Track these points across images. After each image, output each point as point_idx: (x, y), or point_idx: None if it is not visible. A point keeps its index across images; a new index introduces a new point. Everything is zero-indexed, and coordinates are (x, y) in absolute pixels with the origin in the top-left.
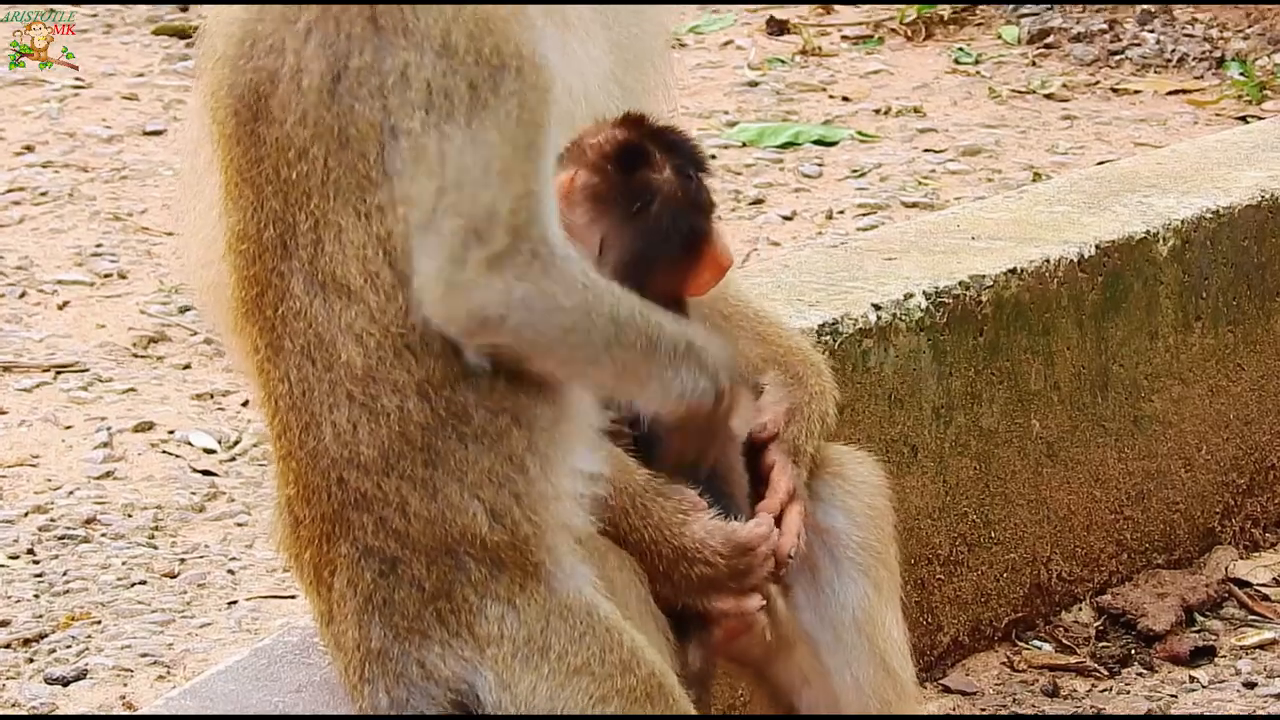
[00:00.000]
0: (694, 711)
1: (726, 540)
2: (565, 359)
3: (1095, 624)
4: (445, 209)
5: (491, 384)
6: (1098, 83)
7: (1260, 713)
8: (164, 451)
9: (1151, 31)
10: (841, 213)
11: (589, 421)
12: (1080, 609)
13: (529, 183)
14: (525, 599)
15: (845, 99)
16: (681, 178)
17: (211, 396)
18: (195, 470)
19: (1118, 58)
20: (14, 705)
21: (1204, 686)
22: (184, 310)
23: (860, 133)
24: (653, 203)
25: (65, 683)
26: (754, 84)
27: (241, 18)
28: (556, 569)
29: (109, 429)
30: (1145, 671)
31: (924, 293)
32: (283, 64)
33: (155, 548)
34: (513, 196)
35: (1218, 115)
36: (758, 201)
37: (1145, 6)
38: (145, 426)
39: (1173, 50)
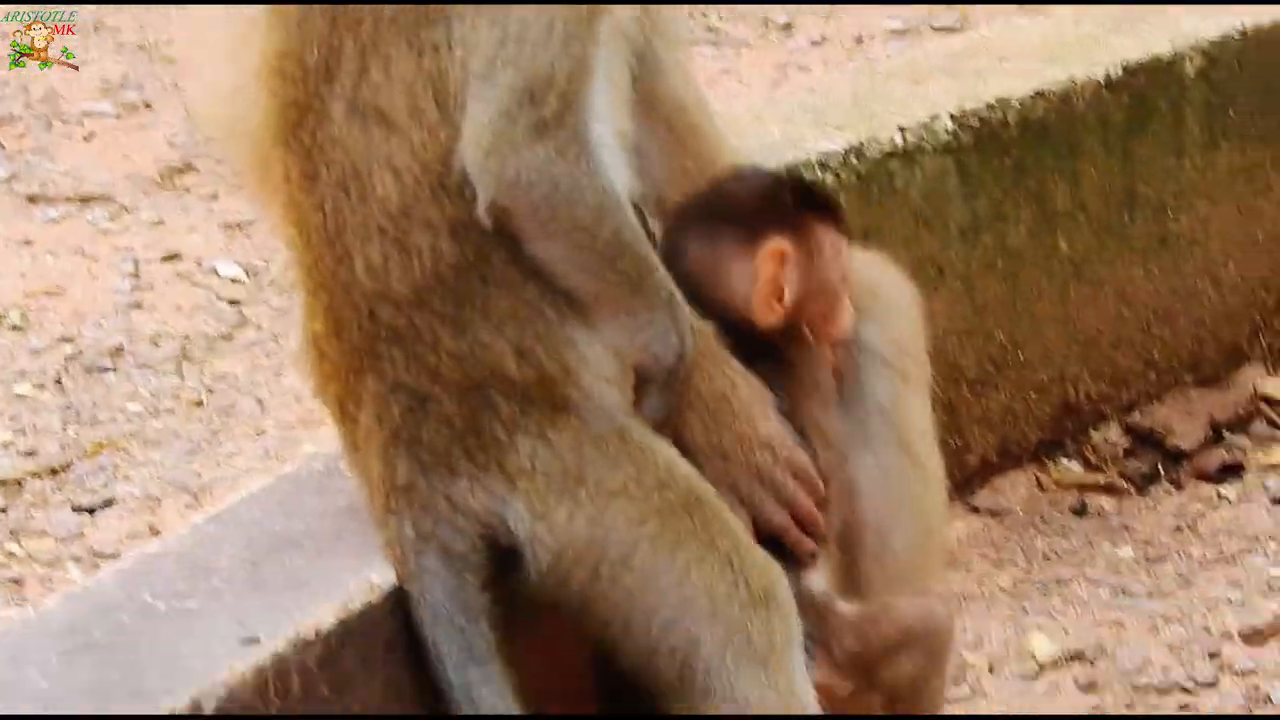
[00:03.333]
0: (730, 519)
1: (797, 455)
2: (563, 253)
3: (1123, 442)
4: (506, 61)
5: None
6: None
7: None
8: (191, 281)
9: None
10: (871, 38)
11: None
12: (1108, 428)
13: (586, 52)
14: (557, 432)
15: None
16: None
17: (239, 226)
18: (222, 299)
19: None
20: (42, 533)
21: (1231, 503)
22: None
23: None
24: None
25: (92, 511)
26: None
27: None
28: (586, 402)
29: (135, 259)
30: (1173, 489)
31: (950, 114)
32: None
33: (182, 377)
34: (571, 61)
35: None
36: (787, 26)
37: None
38: (172, 256)
39: None
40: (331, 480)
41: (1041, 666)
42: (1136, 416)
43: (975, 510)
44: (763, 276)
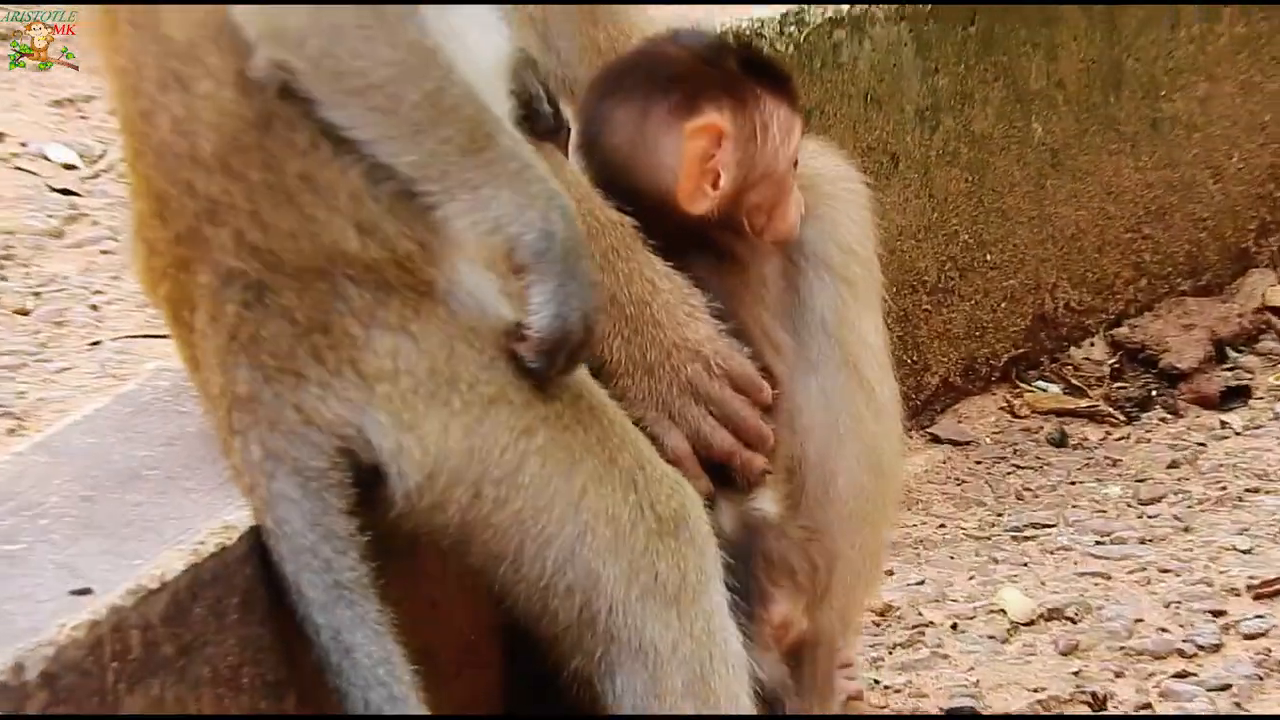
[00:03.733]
0: (632, 432)
1: (736, 362)
2: (361, 119)
3: (1110, 361)
4: None
5: None
6: None
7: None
8: (16, 168)
9: None
10: None
11: None
12: (1092, 344)
13: None
14: (422, 324)
15: None
16: None
17: (72, 103)
18: (53, 189)
19: None
20: None
21: (1237, 433)
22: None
23: None
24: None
25: None
26: None
27: None
28: (454, 288)
29: None
30: (1169, 416)
31: None
32: None
33: (5, 279)
34: None
35: None
36: None
37: None
38: None
39: None
40: (180, 401)
41: (1014, 626)
42: (1125, 330)
43: (936, 440)
44: (692, 155)
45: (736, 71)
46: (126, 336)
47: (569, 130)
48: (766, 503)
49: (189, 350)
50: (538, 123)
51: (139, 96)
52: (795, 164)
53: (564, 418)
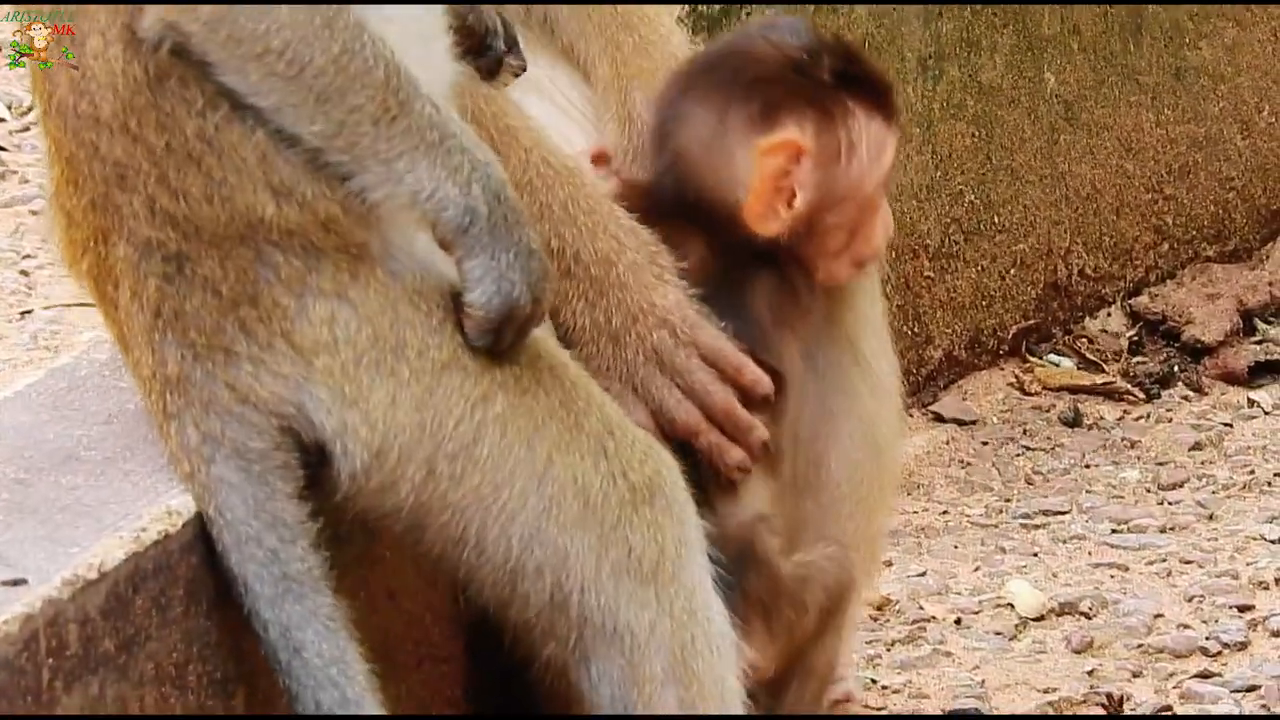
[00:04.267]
0: (598, 394)
1: (707, 333)
2: (260, 85)
3: (1129, 333)
4: None
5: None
6: None
7: None
8: None
9: None
10: None
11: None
12: (1109, 315)
13: None
14: (361, 289)
15: None
16: None
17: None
18: None
19: None
20: None
21: (1266, 413)
22: None
23: None
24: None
25: None
26: None
27: None
28: (391, 248)
29: None
30: (1192, 394)
31: None
32: None
33: None
34: None
35: None
36: None
37: None
38: None
39: None
40: (118, 375)
41: (1023, 621)
42: (1145, 300)
43: (939, 419)
44: (766, 172)
45: (827, 80)
46: (60, 305)
47: (522, 67)
48: (744, 505)
49: (117, 329)
50: (481, 59)
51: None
52: (885, 187)
53: (523, 380)
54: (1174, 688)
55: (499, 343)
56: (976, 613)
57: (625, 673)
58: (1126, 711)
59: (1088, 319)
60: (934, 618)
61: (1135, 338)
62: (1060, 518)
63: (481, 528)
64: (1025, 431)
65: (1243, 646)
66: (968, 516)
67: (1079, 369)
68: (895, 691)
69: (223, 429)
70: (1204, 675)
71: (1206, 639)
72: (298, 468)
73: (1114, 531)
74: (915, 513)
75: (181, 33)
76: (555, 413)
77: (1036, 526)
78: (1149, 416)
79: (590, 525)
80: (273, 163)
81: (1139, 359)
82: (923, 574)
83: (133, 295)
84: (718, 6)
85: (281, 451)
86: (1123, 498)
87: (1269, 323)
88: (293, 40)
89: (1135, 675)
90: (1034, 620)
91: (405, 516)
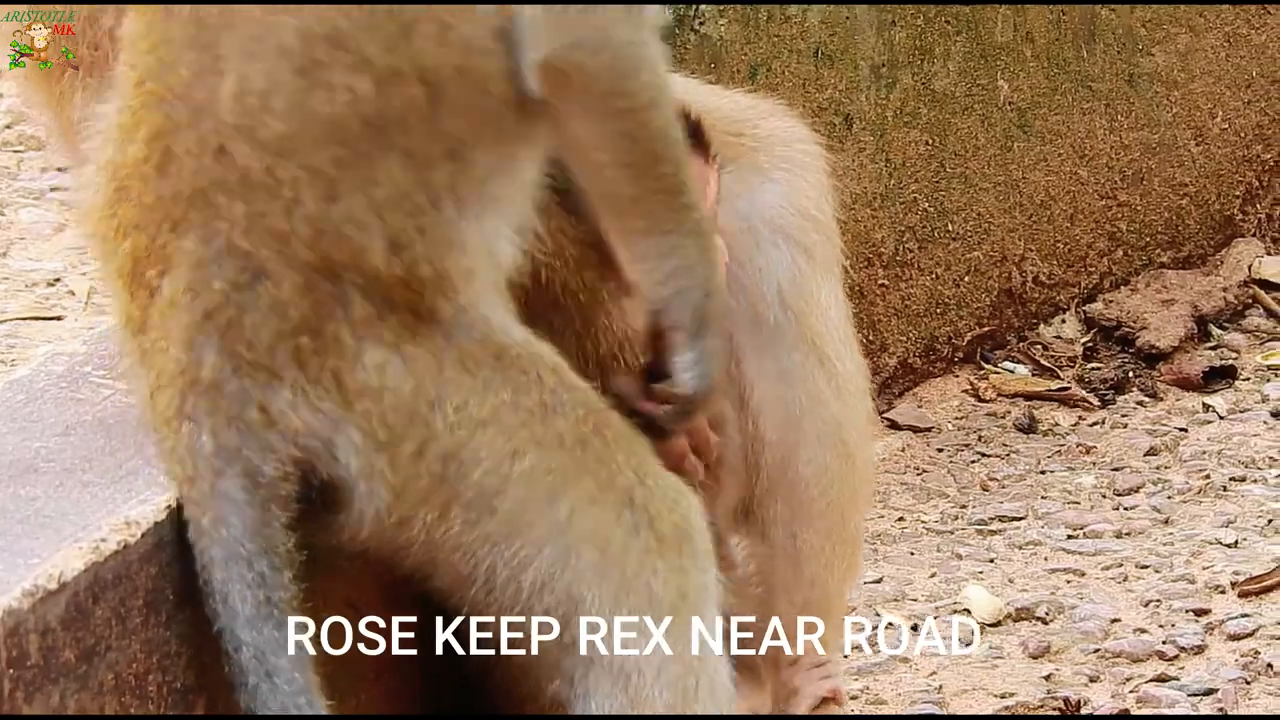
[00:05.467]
0: (638, 447)
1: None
2: (611, 139)
3: (1083, 340)
4: None
5: (446, 101)
6: None
7: None
8: None
9: None
10: None
11: (526, 190)
12: (1063, 321)
13: None
14: (415, 347)
15: None
16: None
17: None
18: None
19: None
20: None
21: (1221, 417)
22: None
23: None
24: None
25: None
26: None
27: None
28: (457, 317)
29: None
30: (1147, 399)
31: None
32: None
33: None
34: None
35: None
36: None
37: None
38: None
39: None
40: (76, 388)
41: (980, 627)
42: (1099, 307)
43: (894, 426)
44: None
45: None
46: (15, 319)
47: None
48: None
49: (140, 313)
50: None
51: (202, 50)
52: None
53: (561, 440)
54: (1131, 692)
55: (682, 424)
56: (933, 619)
57: (625, 708)
58: (1084, 715)
59: (1042, 325)
60: (891, 624)
61: (1090, 344)
62: (1016, 524)
63: (491, 569)
64: (980, 438)
65: (1199, 650)
66: (924, 523)
67: (1034, 375)
68: (853, 698)
69: (241, 446)
70: (1161, 679)
71: (1163, 643)
72: (294, 500)
73: (1070, 537)
74: (871, 520)
75: (564, 80)
76: (588, 468)
77: (993, 532)
78: (1104, 422)
79: (609, 574)
80: (411, 219)
81: (1094, 365)
82: (879, 580)
83: (186, 289)
84: (670, 14)
85: (289, 483)
86: (1078, 503)
87: (1223, 328)
88: (650, 103)
89: (1092, 680)
90: (991, 626)
91: (415, 552)
